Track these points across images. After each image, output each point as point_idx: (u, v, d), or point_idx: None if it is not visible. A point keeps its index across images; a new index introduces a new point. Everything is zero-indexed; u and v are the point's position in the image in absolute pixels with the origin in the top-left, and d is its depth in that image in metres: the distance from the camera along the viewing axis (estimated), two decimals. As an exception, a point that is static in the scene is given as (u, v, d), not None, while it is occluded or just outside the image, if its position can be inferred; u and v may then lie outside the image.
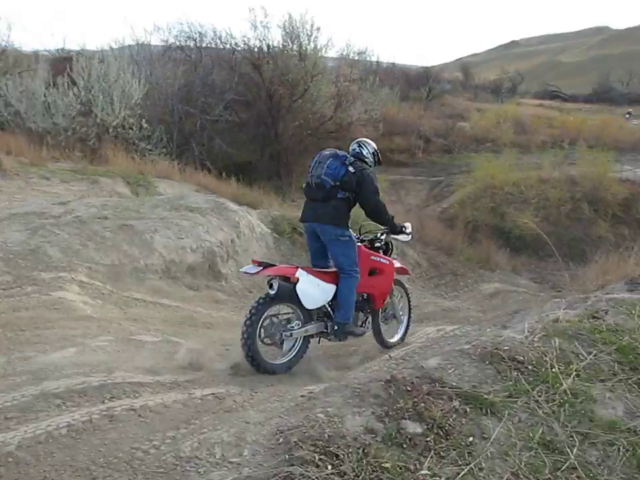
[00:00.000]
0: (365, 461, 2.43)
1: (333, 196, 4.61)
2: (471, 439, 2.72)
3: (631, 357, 3.54)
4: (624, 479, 2.67)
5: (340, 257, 4.74)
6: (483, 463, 2.59)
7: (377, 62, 31.41)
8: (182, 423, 3.12)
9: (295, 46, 18.86)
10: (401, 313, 5.76)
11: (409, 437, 2.67)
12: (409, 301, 5.86)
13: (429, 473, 2.46)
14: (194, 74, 18.72)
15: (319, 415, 2.80)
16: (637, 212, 19.53)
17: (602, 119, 31.14)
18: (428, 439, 2.66)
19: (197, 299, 6.40)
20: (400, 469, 2.43)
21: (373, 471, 2.38)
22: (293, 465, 2.37)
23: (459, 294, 10.99)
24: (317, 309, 4.67)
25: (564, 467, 2.63)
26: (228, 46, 20.29)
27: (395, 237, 5.46)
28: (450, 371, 3.26)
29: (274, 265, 4.66)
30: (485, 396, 3.01)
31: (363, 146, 5.09)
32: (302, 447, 2.49)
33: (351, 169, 4.64)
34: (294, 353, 4.54)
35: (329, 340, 4.97)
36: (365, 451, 2.50)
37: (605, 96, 48.84)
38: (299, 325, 4.54)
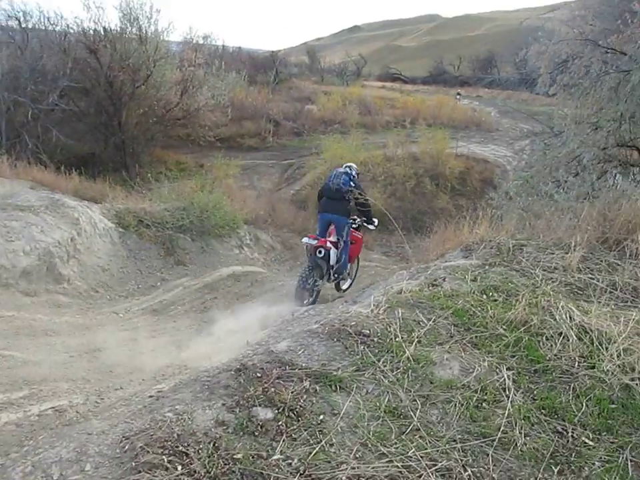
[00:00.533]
0: (215, 456, 2.38)
1: (345, 197, 7.13)
2: (321, 417, 2.77)
3: (464, 318, 3.89)
4: (460, 431, 2.94)
5: (344, 234, 7.35)
6: (333, 439, 2.65)
7: (223, 46, 30.98)
8: (13, 447, 2.88)
9: (134, 29, 17.85)
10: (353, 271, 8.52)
11: (260, 423, 2.66)
12: (358, 264, 8.72)
13: (281, 457, 2.45)
14: (20, 58, 17.01)
15: (167, 414, 2.72)
16: (471, 184, 21.47)
17: (438, 99, 33.58)
18: (280, 423, 2.65)
19: (35, 305, 5.93)
20: (252, 457, 2.40)
21: (225, 464, 2.35)
22: (139, 472, 2.27)
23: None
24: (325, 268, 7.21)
25: (408, 430, 2.79)
26: (58, 28, 18.71)
27: (367, 225, 8.04)
28: (300, 352, 3.36)
29: (319, 239, 7.14)
30: (334, 372, 3.10)
31: (352, 169, 7.72)
32: (149, 451, 2.38)
33: (352, 183, 7.33)
34: (314, 299, 7.15)
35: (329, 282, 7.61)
36: (216, 445, 2.46)
37: (439, 78, 52.70)
38: (322, 279, 7.28)
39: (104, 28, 17.45)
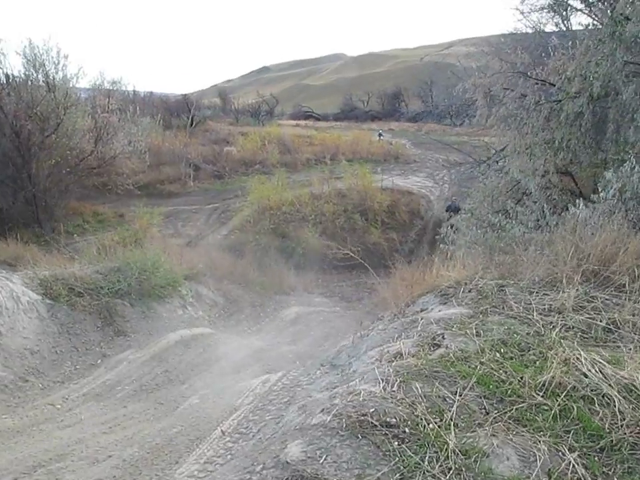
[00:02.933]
0: None
1: None
2: None
3: (492, 387, 3.37)
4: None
5: None
6: None
7: (134, 91, 29.85)
8: None
9: (40, 75, 16.60)
10: None
11: None
12: None
13: None
14: None
15: None
16: (400, 217, 21.53)
17: (354, 135, 34.06)
18: None
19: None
20: None
21: None
22: None
23: (261, 326, 10.56)
24: None
25: None
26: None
27: None
28: (322, 460, 2.67)
29: None
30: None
31: None
32: None
33: None
34: None
35: None
36: None
37: (350, 114, 53.95)
38: None
39: (6, 75, 16.06)
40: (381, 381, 3.49)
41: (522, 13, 20.19)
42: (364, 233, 20.15)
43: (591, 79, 8.99)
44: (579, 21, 19.89)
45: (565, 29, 22.83)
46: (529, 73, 9.81)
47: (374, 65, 69.10)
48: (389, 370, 3.65)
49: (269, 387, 5.50)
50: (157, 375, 6.47)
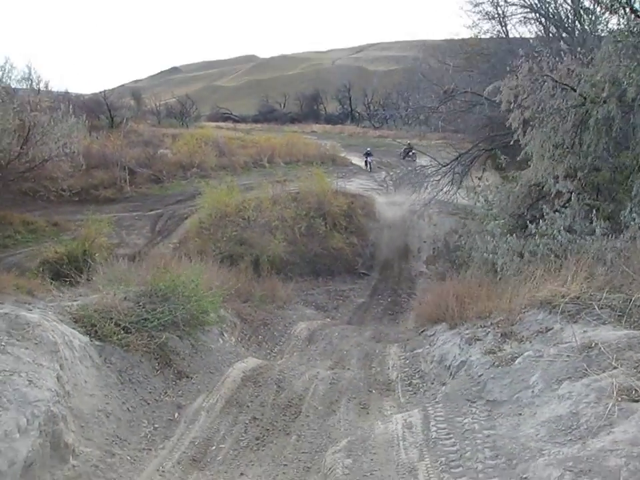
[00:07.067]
0: None
1: None
2: None
3: None
4: None
5: None
6: None
7: (47, 89, 26.79)
8: None
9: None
10: None
11: None
12: None
13: None
14: None
15: None
16: (357, 220, 20.91)
17: (289, 137, 33.06)
18: None
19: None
20: None
21: None
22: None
23: (281, 347, 9.40)
24: None
25: None
26: None
27: None
28: None
29: None
30: None
31: None
32: None
33: None
34: None
35: None
36: None
37: (269, 116, 52.89)
38: None
39: None
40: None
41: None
42: (325, 238, 19.31)
43: (626, 84, 8.77)
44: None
45: (504, 35, 23.38)
46: (553, 77, 9.43)
47: (286, 67, 68.44)
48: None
49: (424, 434, 4.48)
50: (247, 426, 5.21)
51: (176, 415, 5.13)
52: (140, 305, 6.17)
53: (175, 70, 78.08)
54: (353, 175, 28.10)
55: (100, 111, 30.90)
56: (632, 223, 7.68)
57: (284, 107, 56.48)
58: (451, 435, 4.41)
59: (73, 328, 5.16)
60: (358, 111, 53.77)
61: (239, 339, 8.58)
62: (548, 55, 9.93)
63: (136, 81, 67.59)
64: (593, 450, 3.39)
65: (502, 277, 9.01)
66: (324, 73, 64.67)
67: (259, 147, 30.59)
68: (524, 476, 3.55)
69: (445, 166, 17.78)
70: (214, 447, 4.79)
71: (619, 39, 9.21)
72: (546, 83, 9.47)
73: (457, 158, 17.99)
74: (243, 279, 11.33)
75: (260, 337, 9.41)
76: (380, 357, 8.63)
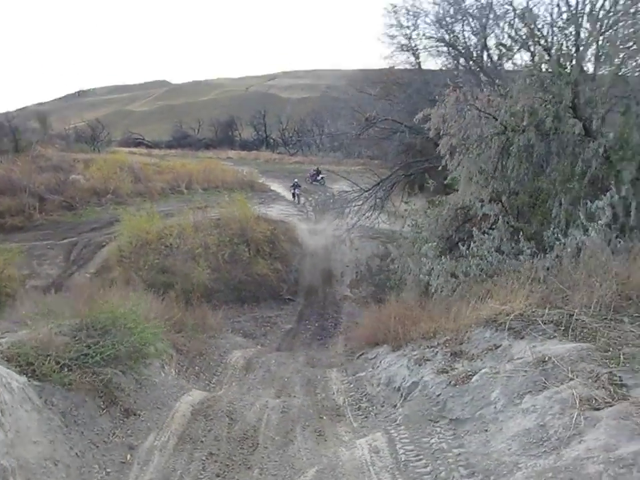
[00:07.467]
0: None
1: None
2: None
3: None
4: None
5: None
6: None
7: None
8: None
9: None
10: None
11: None
12: None
13: None
14: None
15: None
16: (281, 246, 20.84)
17: (206, 163, 32.61)
18: None
19: None
20: None
21: None
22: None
23: (219, 377, 9.09)
24: None
25: None
26: None
27: None
28: None
29: None
30: None
31: None
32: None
33: None
34: None
35: None
36: None
37: (183, 141, 51.91)
38: None
39: None
40: None
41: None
42: (249, 265, 19.09)
43: (545, 115, 9.42)
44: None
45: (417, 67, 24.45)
46: (477, 106, 9.95)
47: (200, 93, 67.79)
48: None
49: (392, 457, 4.44)
50: (204, 462, 4.93)
51: (128, 456, 4.76)
52: (77, 340, 5.73)
53: (82, 93, 75.10)
54: (273, 201, 28.06)
55: (2, 133, 28.99)
56: (556, 243, 8.14)
57: (198, 132, 55.74)
58: (421, 456, 4.40)
59: (7, 367, 4.68)
60: (273, 137, 54.05)
61: (177, 370, 8.18)
62: (470, 85, 10.48)
63: (40, 104, 64.21)
64: (568, 459, 3.48)
65: (438, 297, 9.25)
66: (238, 100, 64.65)
67: (176, 173, 29.94)
68: (504, 491, 3.59)
69: (367, 191, 18.17)
70: (173, 489, 4.49)
71: (533, 73, 9.90)
72: (470, 112, 9.96)
73: (379, 183, 18.45)
74: (175, 309, 10.85)
75: (197, 367, 9.06)
76: (322, 382, 8.55)
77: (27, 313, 6.53)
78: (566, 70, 9.27)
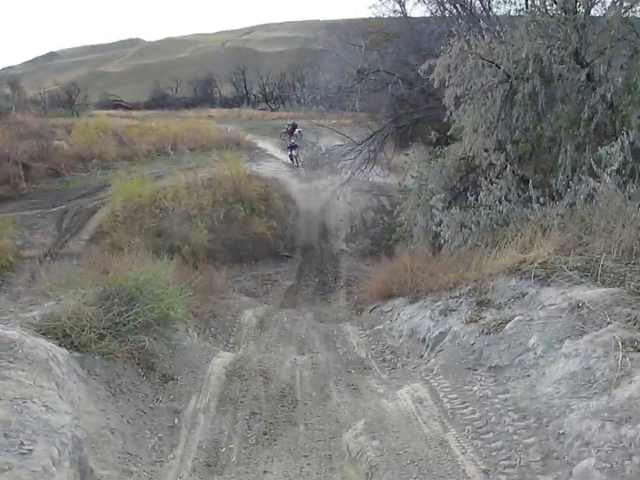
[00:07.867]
0: None
1: None
2: None
3: None
4: None
5: None
6: None
7: None
8: None
9: None
10: None
11: None
12: None
13: None
14: None
15: None
16: (275, 204, 20.73)
17: (189, 123, 31.95)
18: None
19: None
20: None
21: None
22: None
23: (236, 338, 9.14)
24: None
25: None
26: None
27: None
28: None
29: None
30: None
31: None
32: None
33: None
34: None
35: None
36: None
37: (162, 102, 50.66)
38: None
39: None
40: None
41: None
42: (244, 223, 19.00)
43: (549, 62, 9.28)
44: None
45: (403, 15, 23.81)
46: (480, 54, 9.76)
47: (174, 50, 65.71)
48: None
49: (437, 407, 4.54)
50: (248, 422, 5.02)
51: (175, 420, 4.82)
52: (105, 309, 5.69)
53: (52, 55, 72.39)
54: (261, 158, 27.69)
55: (-24, 101, 28.01)
56: (568, 190, 8.18)
57: (176, 91, 54.42)
58: (467, 404, 4.51)
59: (48, 340, 4.65)
60: (254, 93, 52.96)
61: (195, 332, 8.22)
62: (471, 33, 10.27)
63: (9, 67, 61.89)
64: (622, 399, 3.57)
65: (448, 248, 9.32)
66: (214, 56, 62.80)
67: (160, 134, 29.32)
68: (560, 432, 3.68)
69: (359, 144, 17.98)
70: (223, 449, 4.57)
71: (536, 18, 9.71)
72: (473, 61, 9.80)
73: (372, 136, 18.24)
74: (186, 271, 10.81)
75: (213, 329, 9.10)
76: (340, 337, 8.65)
77: (45, 284, 6.45)
78: (572, 14, 9.12)
